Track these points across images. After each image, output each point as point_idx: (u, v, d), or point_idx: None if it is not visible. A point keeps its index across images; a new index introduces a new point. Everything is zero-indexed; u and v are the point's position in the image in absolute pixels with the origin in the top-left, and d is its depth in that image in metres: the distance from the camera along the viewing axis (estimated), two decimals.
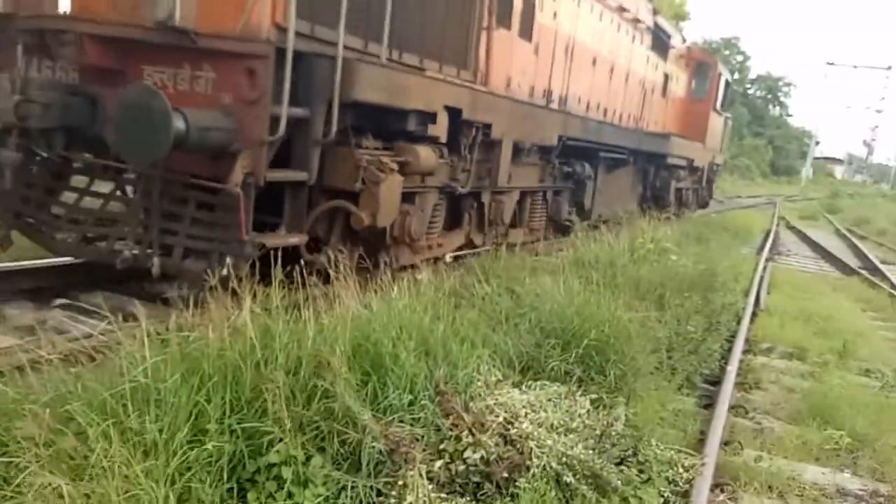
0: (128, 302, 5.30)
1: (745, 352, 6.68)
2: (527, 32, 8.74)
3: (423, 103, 6.04)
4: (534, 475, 3.20)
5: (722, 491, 3.94)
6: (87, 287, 5.72)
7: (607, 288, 5.78)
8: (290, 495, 2.84)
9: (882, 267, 15.14)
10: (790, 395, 5.73)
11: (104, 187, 5.69)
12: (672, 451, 3.81)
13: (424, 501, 2.90)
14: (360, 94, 5.23)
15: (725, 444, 4.52)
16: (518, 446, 3.33)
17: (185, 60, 4.83)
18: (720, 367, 5.99)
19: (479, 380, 3.75)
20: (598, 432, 3.65)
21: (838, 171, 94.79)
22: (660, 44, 15.03)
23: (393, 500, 2.91)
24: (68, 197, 5.62)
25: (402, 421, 3.26)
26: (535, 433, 3.39)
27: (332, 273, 4.10)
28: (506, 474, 3.19)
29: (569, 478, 3.25)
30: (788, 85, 74.03)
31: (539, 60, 9.27)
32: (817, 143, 73.87)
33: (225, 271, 4.33)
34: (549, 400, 3.81)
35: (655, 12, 14.47)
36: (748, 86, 69.91)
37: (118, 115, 4.50)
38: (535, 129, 8.72)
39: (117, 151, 4.89)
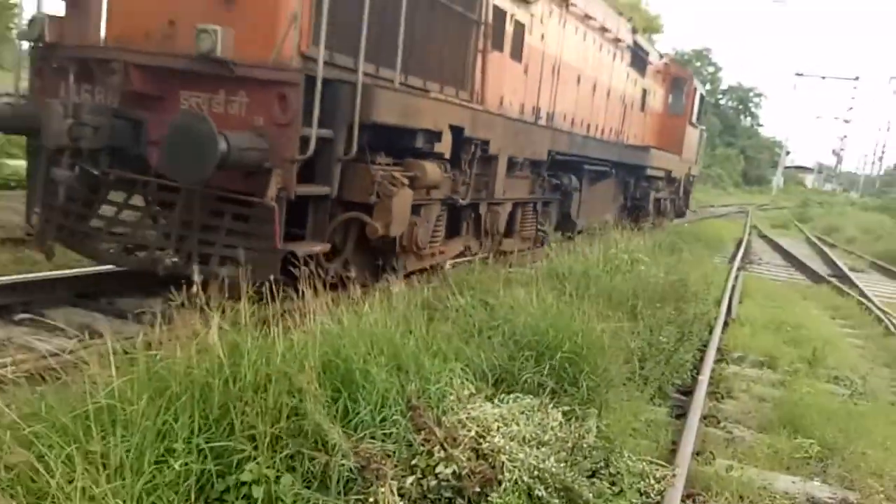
0: (92, 318, 5.36)
1: (716, 361, 6.75)
2: (517, 54, 9.12)
3: (431, 123, 6.54)
4: (505, 489, 3.20)
5: (693, 501, 3.97)
6: (51, 303, 5.71)
7: (581, 299, 5.82)
8: None
9: (851, 274, 15.43)
10: (761, 404, 5.79)
11: (139, 201, 5.93)
12: (644, 463, 3.82)
13: None
14: (378, 116, 5.71)
15: (697, 454, 4.55)
16: (490, 460, 3.32)
17: (221, 87, 5.26)
18: (692, 376, 6.04)
19: (451, 394, 3.74)
20: (570, 445, 3.65)
21: (809, 179, 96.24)
22: (638, 61, 15.50)
23: None
24: (105, 210, 5.89)
25: (373, 437, 3.24)
26: (507, 447, 3.39)
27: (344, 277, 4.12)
28: (478, 489, 3.18)
29: (540, 491, 3.25)
30: (759, 96, 75.43)
31: (528, 80, 9.71)
32: (788, 152, 75.29)
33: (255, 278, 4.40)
34: (522, 413, 3.80)
35: (634, 31, 14.95)
36: (720, 96, 70.92)
37: (169, 138, 4.84)
38: (528, 144, 9.32)
39: (163, 171, 5.22)
